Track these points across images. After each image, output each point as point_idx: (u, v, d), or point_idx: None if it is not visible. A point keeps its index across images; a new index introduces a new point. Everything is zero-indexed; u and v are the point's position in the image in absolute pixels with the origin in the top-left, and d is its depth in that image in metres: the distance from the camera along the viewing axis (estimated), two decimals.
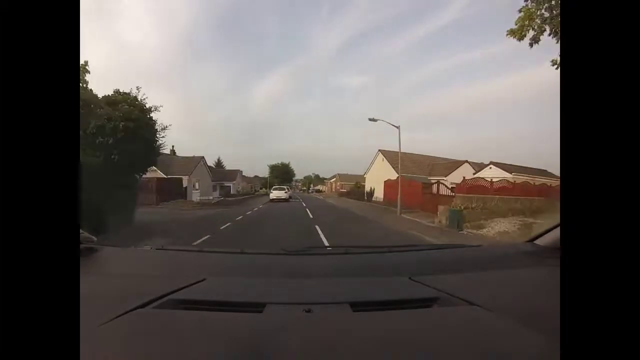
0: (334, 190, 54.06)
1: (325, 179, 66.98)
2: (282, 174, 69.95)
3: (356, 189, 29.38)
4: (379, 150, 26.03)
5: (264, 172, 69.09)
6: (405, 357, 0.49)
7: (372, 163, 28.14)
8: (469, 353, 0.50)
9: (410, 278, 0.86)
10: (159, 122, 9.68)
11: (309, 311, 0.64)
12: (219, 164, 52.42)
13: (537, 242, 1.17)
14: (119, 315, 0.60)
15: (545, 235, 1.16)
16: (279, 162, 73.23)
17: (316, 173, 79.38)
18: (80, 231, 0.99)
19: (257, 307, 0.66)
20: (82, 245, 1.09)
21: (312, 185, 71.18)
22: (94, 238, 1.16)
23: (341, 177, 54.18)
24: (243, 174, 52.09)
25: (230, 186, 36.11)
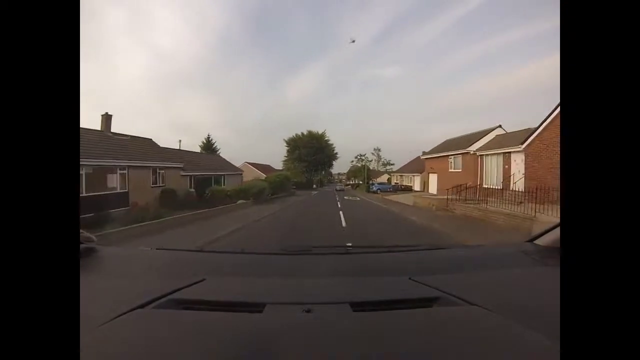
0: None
1: (390, 170, 38.13)
2: (312, 153, 37.80)
3: None
4: None
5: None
6: (405, 357, 0.49)
7: None
8: (469, 353, 0.50)
9: (410, 278, 0.86)
10: None
11: (309, 311, 0.64)
12: (208, 145, 33.76)
13: (537, 242, 1.17)
14: (119, 315, 0.60)
15: (545, 235, 1.16)
16: (304, 132, 40.02)
17: (362, 157, 44.04)
18: (80, 231, 0.99)
19: (257, 307, 0.66)
20: (82, 245, 1.09)
21: (372, 181, 37.02)
22: (94, 238, 1.16)
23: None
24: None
25: None
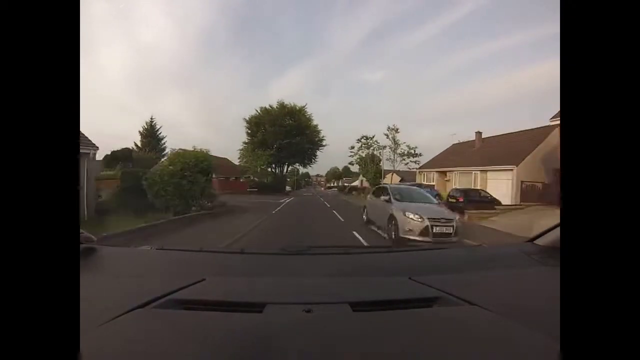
0: None
1: (417, 162, 23.40)
2: (285, 134, 23.73)
3: None
4: None
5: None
6: (405, 357, 0.49)
7: None
8: (469, 353, 0.50)
9: (410, 278, 0.86)
10: None
11: (309, 311, 0.64)
12: (151, 131, 25.95)
13: (537, 242, 1.18)
14: (119, 315, 0.60)
15: (545, 235, 1.16)
16: (275, 104, 25.94)
17: (370, 140, 24.89)
18: (81, 231, 0.99)
19: (257, 307, 0.66)
20: (82, 245, 1.09)
21: (380, 179, 22.66)
22: (94, 238, 1.16)
23: None
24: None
25: None
